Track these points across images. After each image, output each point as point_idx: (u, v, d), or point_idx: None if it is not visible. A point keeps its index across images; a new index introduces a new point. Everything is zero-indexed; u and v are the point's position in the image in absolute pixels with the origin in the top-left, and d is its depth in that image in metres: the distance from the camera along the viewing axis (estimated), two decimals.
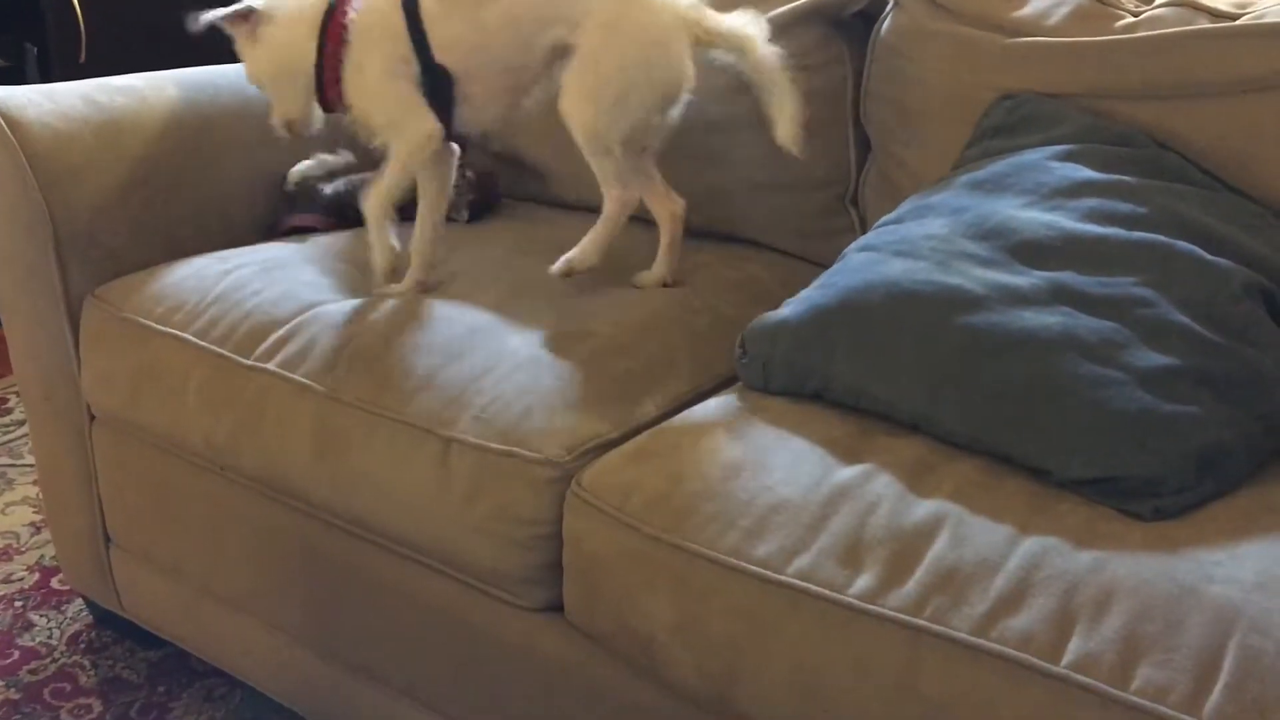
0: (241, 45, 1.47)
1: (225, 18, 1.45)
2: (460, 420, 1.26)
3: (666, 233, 1.52)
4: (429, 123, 1.44)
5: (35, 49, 2.74)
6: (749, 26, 1.40)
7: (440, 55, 1.42)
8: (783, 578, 1.06)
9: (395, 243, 1.49)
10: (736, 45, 1.40)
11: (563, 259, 1.44)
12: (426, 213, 1.52)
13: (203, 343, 1.45)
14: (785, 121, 1.39)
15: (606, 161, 1.42)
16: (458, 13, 1.41)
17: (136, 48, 2.76)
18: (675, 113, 1.45)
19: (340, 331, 1.40)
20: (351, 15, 1.44)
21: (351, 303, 1.45)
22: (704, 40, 1.41)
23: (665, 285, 1.51)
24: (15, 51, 2.75)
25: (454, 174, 1.56)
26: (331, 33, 1.43)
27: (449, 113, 1.46)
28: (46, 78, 2.73)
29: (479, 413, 1.26)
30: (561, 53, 1.42)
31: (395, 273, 1.50)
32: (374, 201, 1.48)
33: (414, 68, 1.42)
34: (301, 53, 1.45)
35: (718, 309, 1.49)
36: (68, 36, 2.75)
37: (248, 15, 1.45)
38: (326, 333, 1.41)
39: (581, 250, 1.44)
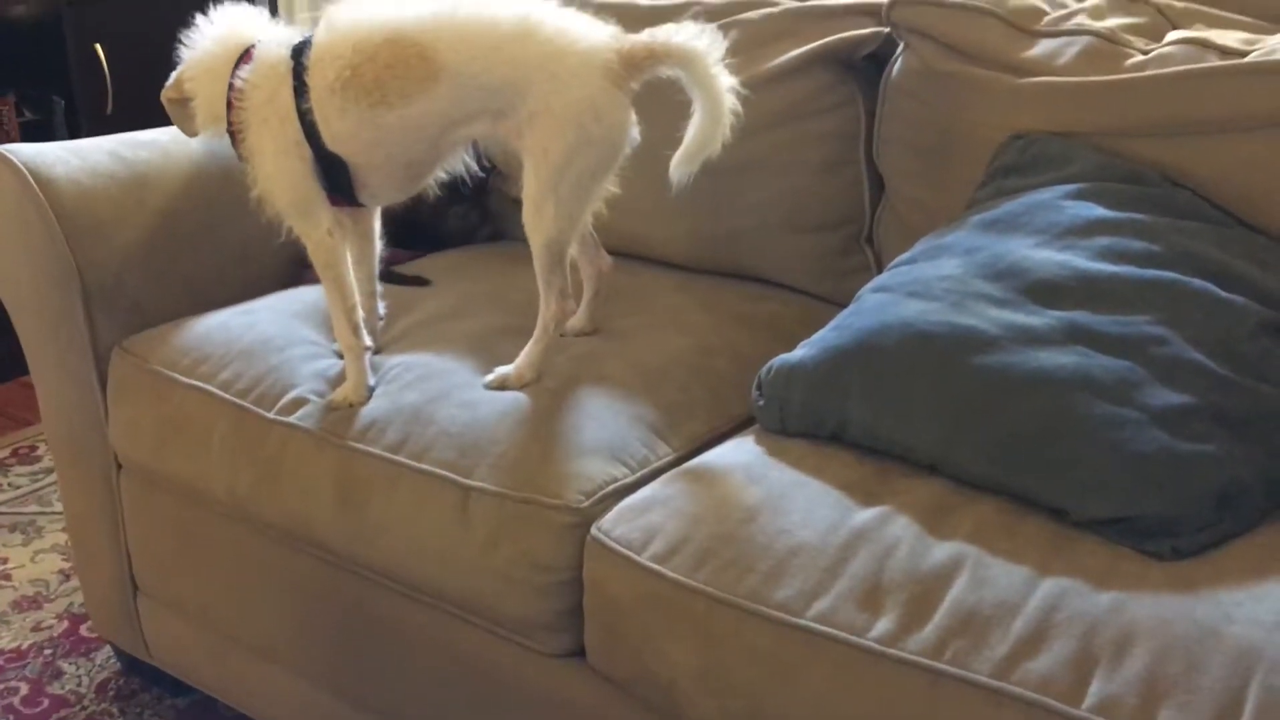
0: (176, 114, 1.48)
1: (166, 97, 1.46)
2: (479, 468, 1.27)
3: (590, 288, 1.52)
4: (325, 221, 1.42)
5: (62, 102, 2.80)
6: (697, 40, 1.28)
7: (333, 146, 1.38)
8: (802, 621, 1.06)
9: (372, 379, 1.43)
10: (680, 60, 1.29)
11: (497, 373, 1.39)
12: (357, 268, 1.50)
13: (226, 395, 1.47)
14: (691, 145, 1.30)
15: (557, 274, 1.36)
16: (353, 110, 1.35)
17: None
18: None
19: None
20: (240, 82, 1.39)
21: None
22: (639, 71, 1.30)
23: (585, 334, 1.51)
24: (44, 105, 2.80)
25: (378, 224, 1.54)
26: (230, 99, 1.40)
27: (350, 188, 1.42)
28: (74, 130, 2.79)
29: (497, 460, 1.27)
30: (487, 137, 1.39)
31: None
32: (339, 330, 1.43)
33: (307, 151, 1.38)
34: (217, 114, 1.42)
35: (735, 349, 1.50)
36: (94, 90, 2.80)
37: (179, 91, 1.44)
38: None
39: (518, 368, 1.38)
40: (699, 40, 1.29)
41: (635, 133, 1.36)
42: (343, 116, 1.36)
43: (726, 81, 1.29)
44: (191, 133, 1.50)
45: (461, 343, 1.48)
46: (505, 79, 1.32)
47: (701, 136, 1.30)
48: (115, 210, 1.63)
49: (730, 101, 1.29)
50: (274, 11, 3.16)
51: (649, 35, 1.31)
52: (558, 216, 1.33)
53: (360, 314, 1.45)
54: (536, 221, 1.34)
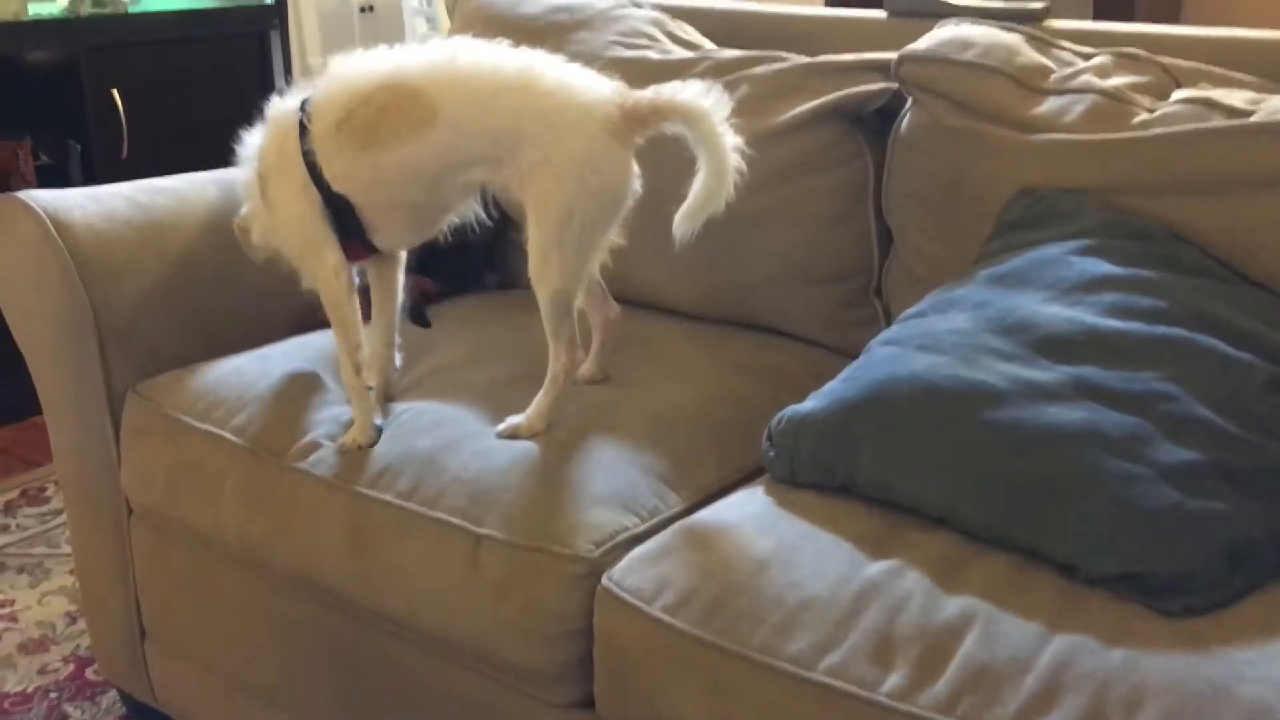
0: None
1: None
2: (489, 516, 1.28)
3: (598, 336, 1.53)
4: (332, 255, 1.43)
5: (79, 146, 2.83)
6: (701, 98, 1.29)
7: (336, 185, 1.40)
8: (814, 676, 1.06)
9: (379, 419, 1.45)
10: (684, 117, 1.29)
11: (508, 423, 1.39)
12: (379, 318, 1.52)
13: (239, 440, 1.48)
14: (695, 202, 1.30)
15: (565, 325, 1.37)
16: (349, 149, 1.38)
17: (176, 144, 2.85)
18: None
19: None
20: (259, 141, 1.45)
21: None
22: (642, 126, 1.32)
23: (595, 382, 1.52)
24: (59, 149, 2.84)
25: (402, 276, 1.56)
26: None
27: (362, 234, 1.44)
28: (89, 174, 2.82)
29: (508, 508, 1.28)
30: (493, 186, 1.41)
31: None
32: (344, 370, 1.45)
33: (314, 194, 1.40)
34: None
35: (743, 399, 1.51)
36: (110, 135, 2.84)
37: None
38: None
39: (528, 418, 1.38)
40: (704, 98, 1.29)
41: (638, 185, 1.37)
42: (340, 156, 1.39)
43: (731, 140, 1.29)
44: (259, 257, 1.55)
45: (473, 391, 1.49)
46: (503, 127, 1.34)
47: (705, 194, 1.30)
48: (131, 255, 1.65)
49: (735, 160, 1.29)
50: (287, 65, 3.21)
51: (654, 92, 1.32)
52: (563, 268, 1.34)
53: (364, 353, 1.46)
54: (542, 273, 1.35)
